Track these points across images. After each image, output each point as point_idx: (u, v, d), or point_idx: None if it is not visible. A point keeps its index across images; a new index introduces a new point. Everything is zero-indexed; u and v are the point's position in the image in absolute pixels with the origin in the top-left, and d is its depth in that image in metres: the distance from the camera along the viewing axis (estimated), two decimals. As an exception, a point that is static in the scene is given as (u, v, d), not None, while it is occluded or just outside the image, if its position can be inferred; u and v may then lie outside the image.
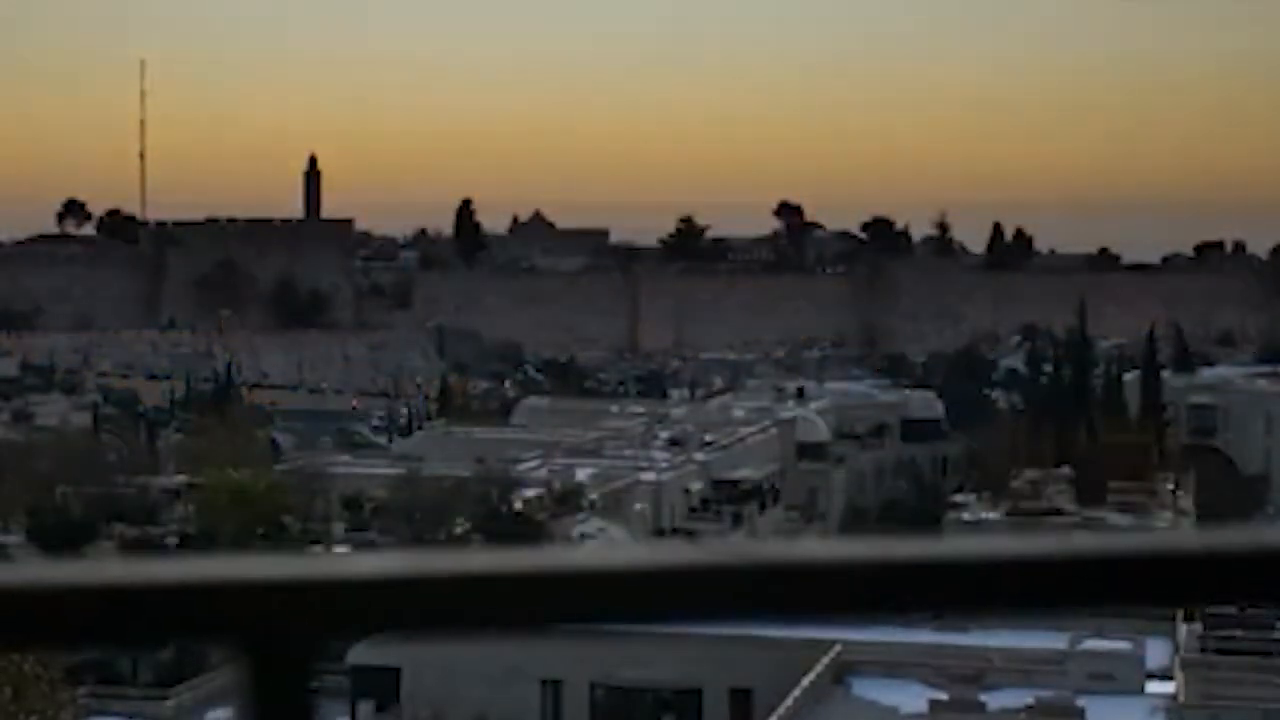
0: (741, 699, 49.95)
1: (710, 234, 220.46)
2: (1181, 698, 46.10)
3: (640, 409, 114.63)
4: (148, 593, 1.65)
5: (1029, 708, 45.26)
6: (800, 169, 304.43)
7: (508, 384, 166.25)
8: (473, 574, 1.70)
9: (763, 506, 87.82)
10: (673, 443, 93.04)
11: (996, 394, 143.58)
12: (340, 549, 68.01)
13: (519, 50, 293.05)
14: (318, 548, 68.07)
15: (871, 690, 48.00)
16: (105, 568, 1.66)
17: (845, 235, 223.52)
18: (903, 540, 1.76)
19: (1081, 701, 45.64)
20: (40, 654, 40.90)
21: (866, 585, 1.74)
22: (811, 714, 46.41)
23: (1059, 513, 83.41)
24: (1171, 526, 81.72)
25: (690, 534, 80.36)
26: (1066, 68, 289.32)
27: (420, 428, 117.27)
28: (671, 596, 1.72)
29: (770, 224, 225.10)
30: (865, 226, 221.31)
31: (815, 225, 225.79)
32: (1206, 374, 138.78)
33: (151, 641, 1.70)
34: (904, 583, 1.74)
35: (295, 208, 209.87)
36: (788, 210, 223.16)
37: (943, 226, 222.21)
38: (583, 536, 70.83)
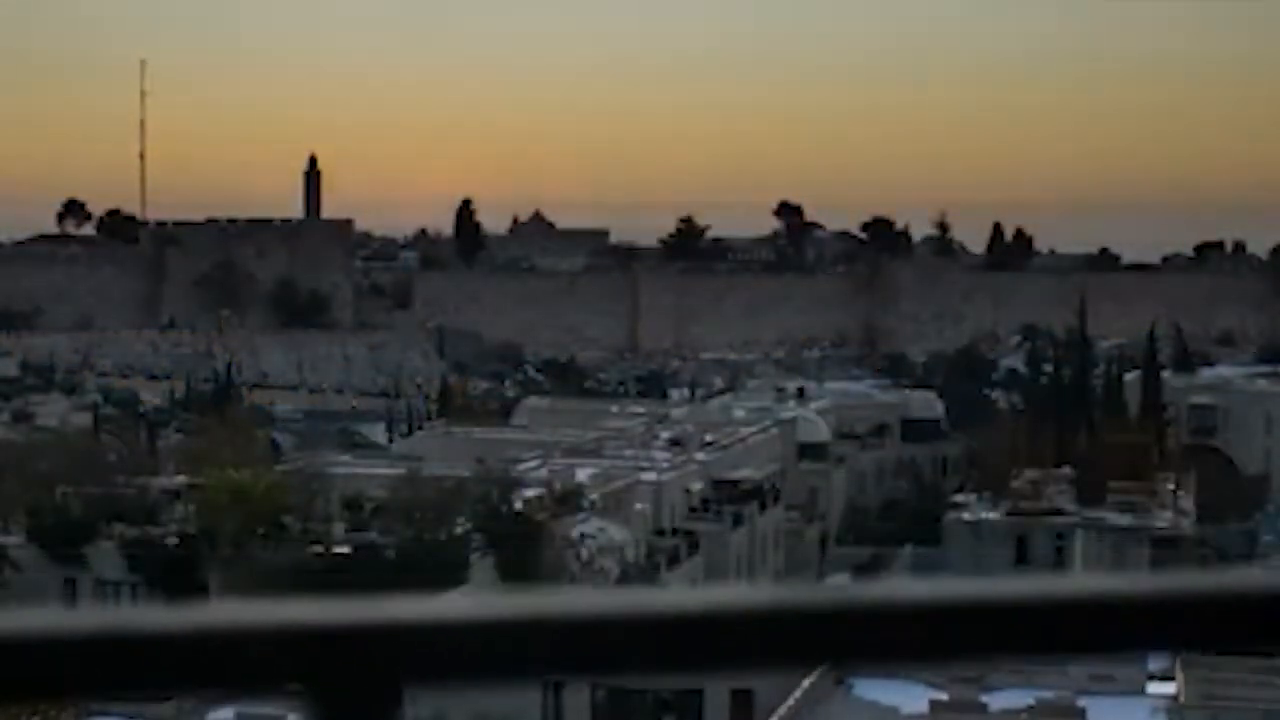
0: (743, 699, 49.93)
1: (710, 234, 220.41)
2: (1182, 698, 46.13)
3: (640, 409, 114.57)
4: (218, 638, 1.62)
5: (1030, 708, 45.28)
6: (800, 169, 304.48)
7: (508, 384, 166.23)
8: (553, 618, 1.65)
9: (763, 506, 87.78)
10: (673, 443, 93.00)
11: (996, 394, 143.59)
12: (341, 547, 68.04)
13: (519, 51, 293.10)
14: (318, 548, 68.12)
15: (872, 690, 47.99)
16: (175, 614, 1.63)
17: (845, 235, 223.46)
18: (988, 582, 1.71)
19: (1082, 702, 45.68)
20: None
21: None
22: (812, 714, 46.43)
23: (1059, 513, 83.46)
24: (1173, 523, 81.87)
25: (690, 534, 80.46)
26: (1066, 68, 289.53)
27: (420, 428, 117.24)
28: (756, 642, 1.66)
29: (770, 224, 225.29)
30: (865, 226, 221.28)
31: (815, 225, 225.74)
32: (1206, 374, 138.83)
33: (222, 688, 1.66)
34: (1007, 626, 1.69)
35: (295, 208, 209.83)
36: (788, 210, 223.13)
37: (943, 226, 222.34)
38: (583, 537, 70.86)
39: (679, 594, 1.69)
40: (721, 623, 1.67)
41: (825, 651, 1.72)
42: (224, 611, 1.64)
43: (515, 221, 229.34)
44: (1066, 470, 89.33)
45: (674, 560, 77.11)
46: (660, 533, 79.50)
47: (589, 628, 1.67)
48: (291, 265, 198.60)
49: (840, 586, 1.71)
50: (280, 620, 1.63)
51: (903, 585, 1.70)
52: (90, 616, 1.63)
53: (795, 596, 1.69)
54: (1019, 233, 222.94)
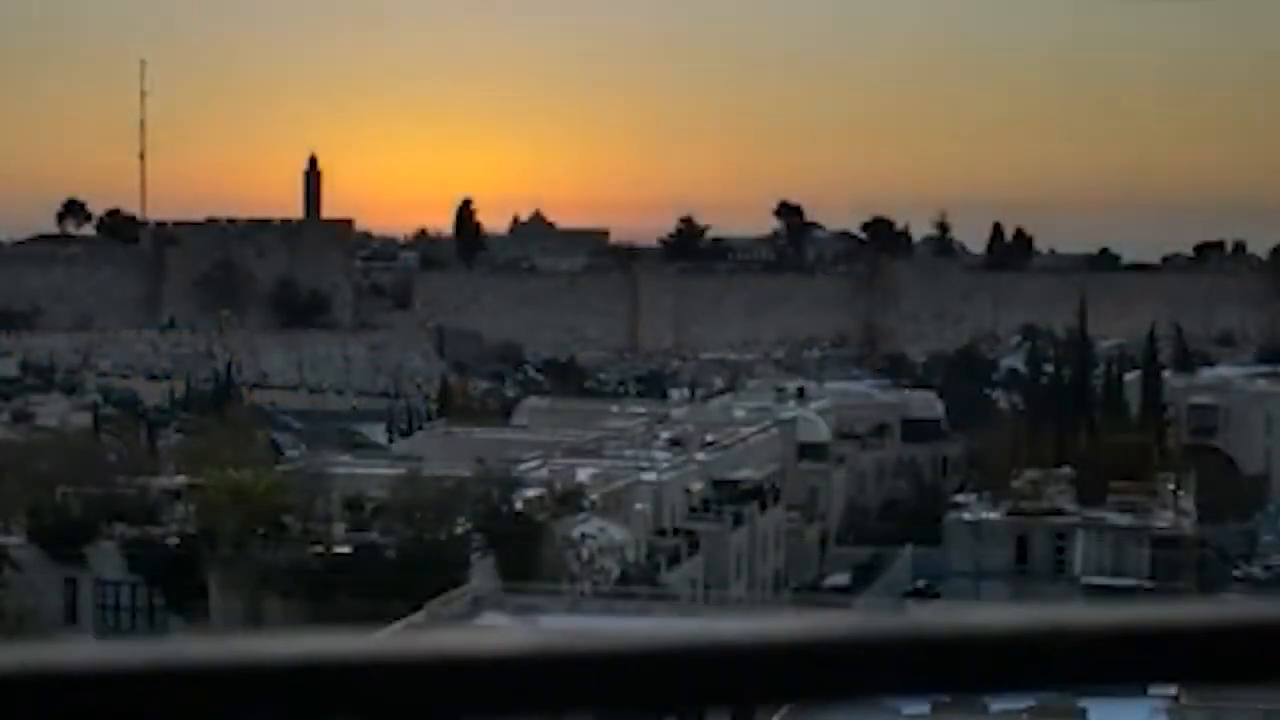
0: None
1: (710, 234, 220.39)
2: (1183, 699, 46.09)
3: (640, 409, 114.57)
4: (264, 671, 1.61)
5: (1030, 708, 45.24)
6: (800, 169, 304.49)
7: (508, 384, 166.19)
8: (603, 650, 1.62)
9: (763, 506, 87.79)
10: (673, 443, 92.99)
11: (996, 394, 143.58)
12: (342, 547, 68.01)
13: (518, 50, 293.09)
14: (318, 548, 68.08)
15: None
16: (221, 645, 1.62)
17: (845, 235, 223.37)
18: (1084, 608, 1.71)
19: (1083, 702, 45.60)
20: None
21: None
22: (813, 715, 46.33)
23: (1059, 513, 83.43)
24: (1173, 523, 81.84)
25: (690, 534, 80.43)
26: (1067, 68, 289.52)
27: (420, 428, 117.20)
28: (833, 672, 1.62)
29: (770, 224, 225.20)
30: (865, 226, 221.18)
31: (815, 225, 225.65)
32: (1206, 374, 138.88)
33: None
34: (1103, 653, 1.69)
35: (295, 208, 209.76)
36: (788, 210, 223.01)
37: (943, 226, 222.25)
38: (583, 537, 70.83)
39: (754, 622, 1.63)
40: (768, 654, 1.63)
41: (898, 684, 1.68)
42: (270, 643, 1.62)
43: (515, 221, 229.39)
44: (1066, 470, 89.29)
45: (674, 560, 77.09)
46: (661, 533, 79.49)
47: (642, 660, 1.63)
48: (291, 265, 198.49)
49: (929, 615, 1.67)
50: (328, 652, 1.62)
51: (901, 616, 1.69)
52: (135, 648, 1.61)
53: (861, 626, 1.65)
54: (1019, 233, 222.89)
